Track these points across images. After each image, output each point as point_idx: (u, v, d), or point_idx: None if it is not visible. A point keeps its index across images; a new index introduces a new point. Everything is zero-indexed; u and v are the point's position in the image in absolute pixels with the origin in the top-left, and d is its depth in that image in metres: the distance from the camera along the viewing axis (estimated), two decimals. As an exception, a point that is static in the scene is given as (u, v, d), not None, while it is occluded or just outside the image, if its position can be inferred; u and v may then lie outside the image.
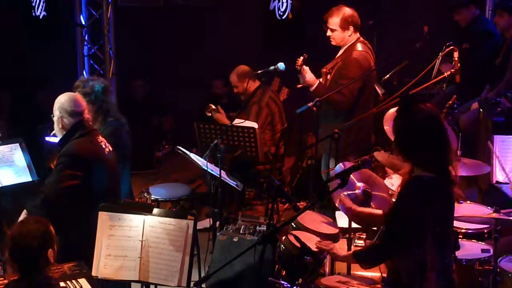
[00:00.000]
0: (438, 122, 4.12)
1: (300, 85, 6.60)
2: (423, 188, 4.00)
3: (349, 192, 4.82)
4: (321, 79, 6.58)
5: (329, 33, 6.61)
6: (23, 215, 5.19)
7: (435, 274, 4.03)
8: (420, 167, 4.07)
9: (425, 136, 4.06)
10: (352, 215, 4.85)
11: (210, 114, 7.87)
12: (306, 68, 6.44)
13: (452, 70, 5.98)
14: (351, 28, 6.54)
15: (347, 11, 6.55)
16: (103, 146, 5.31)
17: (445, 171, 4.09)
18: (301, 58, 6.40)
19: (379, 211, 4.68)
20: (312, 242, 4.74)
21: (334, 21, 6.54)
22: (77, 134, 5.18)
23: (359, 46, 6.57)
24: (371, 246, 4.55)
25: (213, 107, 7.85)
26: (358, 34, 6.61)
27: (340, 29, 6.54)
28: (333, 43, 6.66)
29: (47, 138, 5.58)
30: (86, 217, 4.86)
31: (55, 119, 5.24)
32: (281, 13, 10.06)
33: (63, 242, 4.93)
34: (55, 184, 5.12)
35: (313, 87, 6.45)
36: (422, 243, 4.01)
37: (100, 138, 5.34)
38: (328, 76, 6.62)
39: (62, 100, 5.24)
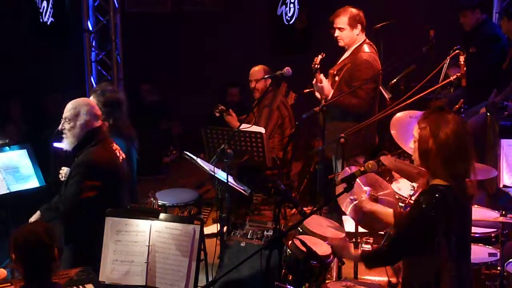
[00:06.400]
0: (465, 135, 4.02)
1: (307, 90, 6.57)
2: (439, 197, 3.93)
3: (355, 197, 4.81)
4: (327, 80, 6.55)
5: (337, 33, 6.59)
6: (34, 217, 5.20)
7: (450, 284, 4.00)
8: (439, 177, 3.99)
9: (452, 148, 3.94)
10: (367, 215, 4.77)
11: (218, 114, 7.83)
12: (323, 77, 6.42)
13: (458, 74, 5.96)
14: (359, 26, 6.53)
15: (353, 10, 6.56)
16: (118, 154, 5.29)
17: (463, 184, 4.02)
18: (319, 56, 6.30)
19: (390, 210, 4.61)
20: (318, 246, 4.74)
21: (342, 20, 6.53)
22: (93, 141, 5.12)
23: (366, 48, 6.56)
24: (378, 249, 4.53)
25: (223, 107, 7.81)
26: (364, 35, 6.61)
27: (349, 27, 6.52)
28: (341, 44, 6.64)
29: (55, 144, 5.54)
30: (98, 224, 4.79)
31: (78, 123, 5.10)
32: (288, 18, 10.09)
33: (74, 249, 4.96)
34: (74, 196, 5.04)
35: (329, 97, 6.41)
36: (437, 252, 3.97)
37: (115, 146, 5.31)
38: (336, 78, 6.58)
39: (87, 104, 5.16)
